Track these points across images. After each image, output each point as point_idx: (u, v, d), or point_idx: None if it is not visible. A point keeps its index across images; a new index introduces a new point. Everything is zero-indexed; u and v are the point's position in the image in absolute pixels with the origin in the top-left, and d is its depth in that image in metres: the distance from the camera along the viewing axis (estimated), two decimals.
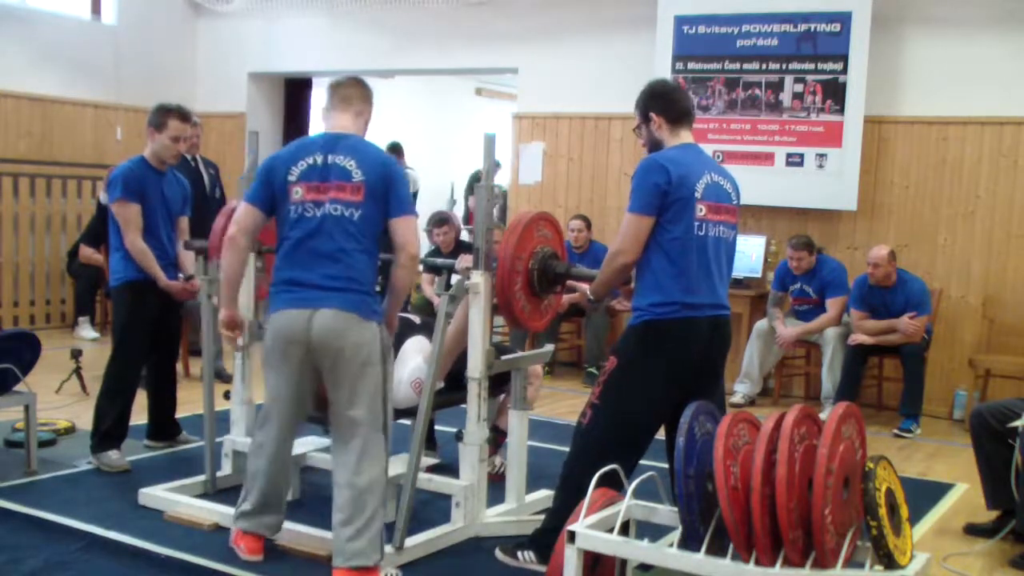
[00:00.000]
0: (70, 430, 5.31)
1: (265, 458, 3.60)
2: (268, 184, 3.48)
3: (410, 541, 3.73)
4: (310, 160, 3.44)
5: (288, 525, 3.77)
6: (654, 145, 3.59)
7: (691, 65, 7.50)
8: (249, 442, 4.47)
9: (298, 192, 3.42)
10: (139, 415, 4.99)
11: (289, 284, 3.43)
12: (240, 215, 3.54)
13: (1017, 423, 4.07)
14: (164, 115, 4.73)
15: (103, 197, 7.04)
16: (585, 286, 3.79)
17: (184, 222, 5.00)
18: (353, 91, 3.60)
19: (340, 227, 3.40)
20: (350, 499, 3.38)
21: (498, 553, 3.72)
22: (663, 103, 3.57)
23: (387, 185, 3.44)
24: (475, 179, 8.59)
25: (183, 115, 4.79)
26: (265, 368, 3.56)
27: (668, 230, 3.40)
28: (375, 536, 3.40)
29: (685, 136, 3.57)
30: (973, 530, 4.37)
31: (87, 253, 8.41)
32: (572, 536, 2.93)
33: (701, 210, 3.43)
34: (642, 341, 3.45)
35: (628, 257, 3.45)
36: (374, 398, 3.44)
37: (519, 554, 3.65)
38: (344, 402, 3.42)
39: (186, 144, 5.15)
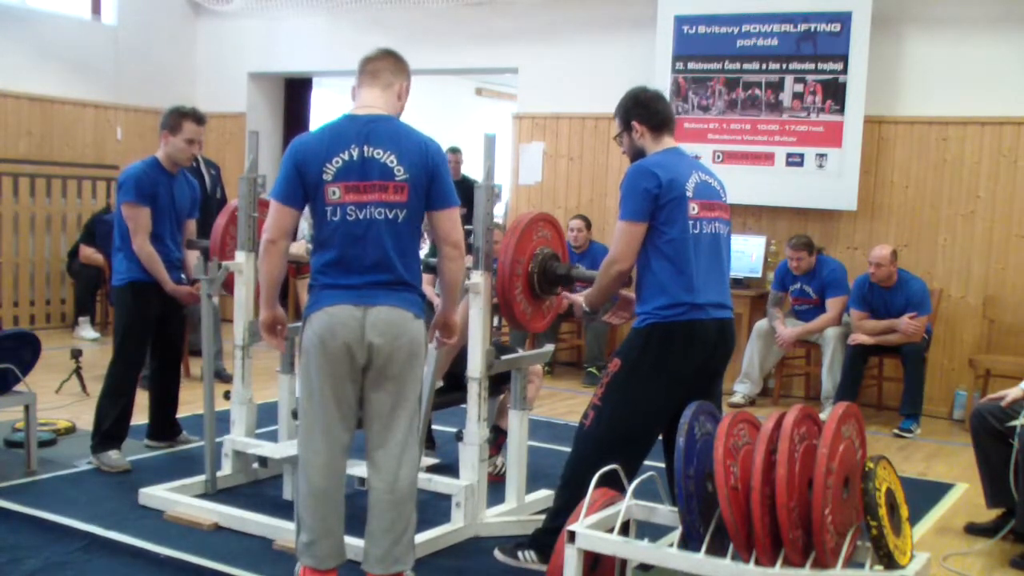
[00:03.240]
0: (70, 430, 5.31)
1: (317, 476, 3.20)
2: (300, 181, 3.15)
3: None
4: (345, 156, 3.12)
5: (285, 524, 3.77)
6: (636, 153, 3.56)
7: (691, 65, 7.50)
8: (249, 443, 4.51)
9: (335, 193, 3.13)
10: (139, 415, 4.99)
11: (336, 287, 3.17)
12: (275, 218, 3.18)
13: (1017, 422, 4.08)
14: (179, 118, 4.73)
15: None
16: (579, 298, 3.73)
17: (192, 225, 5.00)
18: (382, 63, 3.28)
19: (388, 232, 3.15)
20: (391, 504, 3.20)
21: (497, 553, 3.72)
22: (645, 112, 3.54)
23: (430, 177, 3.19)
24: None
25: (198, 118, 4.79)
26: (304, 373, 3.22)
27: (664, 232, 3.40)
28: (411, 539, 3.28)
29: (668, 142, 3.55)
30: (973, 530, 4.38)
31: (87, 253, 8.42)
32: (572, 536, 2.92)
33: (694, 209, 3.42)
34: (647, 344, 3.43)
35: (623, 265, 3.45)
36: (417, 398, 3.28)
37: (519, 554, 3.65)
38: (389, 402, 3.20)
39: (200, 147, 5.15)
